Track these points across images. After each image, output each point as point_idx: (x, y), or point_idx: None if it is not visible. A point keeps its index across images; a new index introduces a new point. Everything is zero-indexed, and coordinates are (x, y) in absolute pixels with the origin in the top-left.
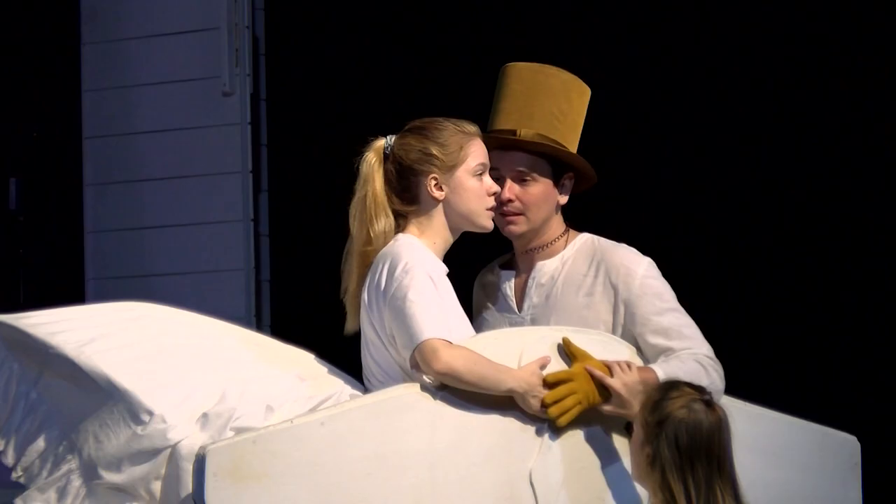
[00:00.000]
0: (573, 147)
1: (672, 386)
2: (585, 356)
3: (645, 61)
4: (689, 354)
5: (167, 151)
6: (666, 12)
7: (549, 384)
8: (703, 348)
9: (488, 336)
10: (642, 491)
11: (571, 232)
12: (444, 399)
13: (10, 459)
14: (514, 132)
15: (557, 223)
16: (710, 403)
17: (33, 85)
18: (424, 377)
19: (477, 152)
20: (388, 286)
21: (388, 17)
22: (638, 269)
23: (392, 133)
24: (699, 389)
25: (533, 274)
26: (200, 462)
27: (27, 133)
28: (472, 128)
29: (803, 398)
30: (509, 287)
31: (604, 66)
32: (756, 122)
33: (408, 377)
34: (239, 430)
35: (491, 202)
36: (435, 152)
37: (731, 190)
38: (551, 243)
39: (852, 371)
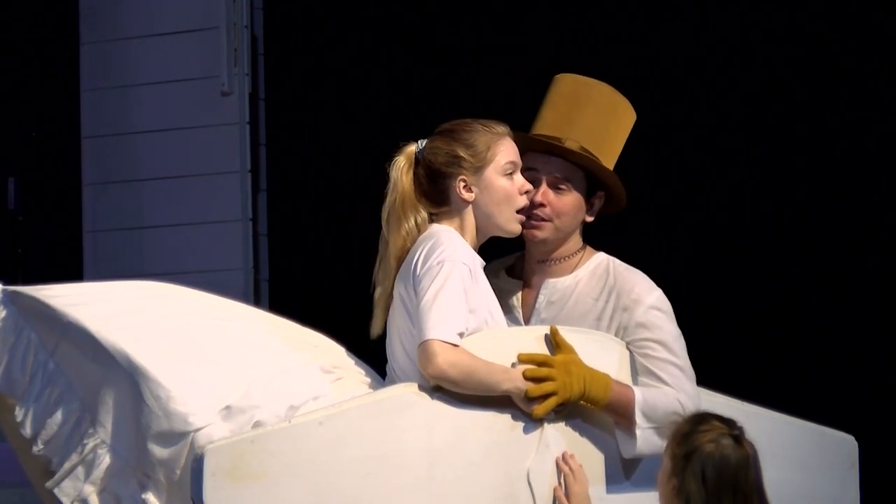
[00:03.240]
0: (611, 166)
1: (702, 419)
2: (570, 350)
3: (645, 63)
4: (673, 392)
5: (166, 151)
6: (670, 13)
7: (525, 360)
8: (682, 395)
9: (485, 336)
10: (642, 491)
11: (588, 249)
12: (442, 398)
13: (28, 431)
14: (559, 140)
15: (576, 240)
16: (738, 439)
17: (32, 84)
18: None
19: (506, 151)
20: (421, 271)
21: (388, 16)
22: (647, 299)
23: (422, 137)
24: (729, 424)
25: (543, 289)
26: (199, 462)
27: (26, 133)
28: (501, 128)
29: (801, 398)
30: (516, 298)
31: (604, 67)
32: (755, 121)
33: None
34: (260, 427)
35: (523, 201)
36: (462, 154)
37: (731, 190)
38: (566, 258)
39: (850, 371)
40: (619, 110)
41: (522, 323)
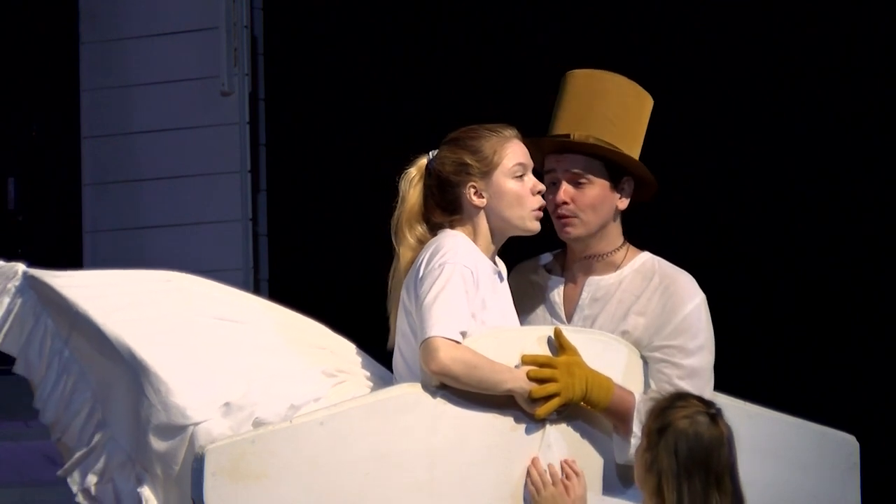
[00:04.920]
0: (632, 152)
1: (680, 396)
2: (574, 351)
3: (651, 61)
4: None
5: (165, 151)
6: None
7: (528, 361)
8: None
9: (488, 335)
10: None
11: (631, 249)
12: (443, 398)
13: (47, 418)
14: (567, 136)
15: (616, 232)
16: (714, 418)
17: (32, 84)
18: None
19: (514, 153)
20: (423, 273)
21: (387, 16)
22: (688, 303)
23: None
24: (707, 403)
25: (587, 286)
26: (199, 461)
27: (26, 132)
28: (507, 131)
29: (802, 397)
30: (558, 294)
31: (605, 68)
32: (757, 119)
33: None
34: (260, 425)
35: (536, 202)
36: (469, 161)
37: (731, 189)
38: (609, 254)
39: (851, 370)
40: (632, 96)
41: (565, 319)
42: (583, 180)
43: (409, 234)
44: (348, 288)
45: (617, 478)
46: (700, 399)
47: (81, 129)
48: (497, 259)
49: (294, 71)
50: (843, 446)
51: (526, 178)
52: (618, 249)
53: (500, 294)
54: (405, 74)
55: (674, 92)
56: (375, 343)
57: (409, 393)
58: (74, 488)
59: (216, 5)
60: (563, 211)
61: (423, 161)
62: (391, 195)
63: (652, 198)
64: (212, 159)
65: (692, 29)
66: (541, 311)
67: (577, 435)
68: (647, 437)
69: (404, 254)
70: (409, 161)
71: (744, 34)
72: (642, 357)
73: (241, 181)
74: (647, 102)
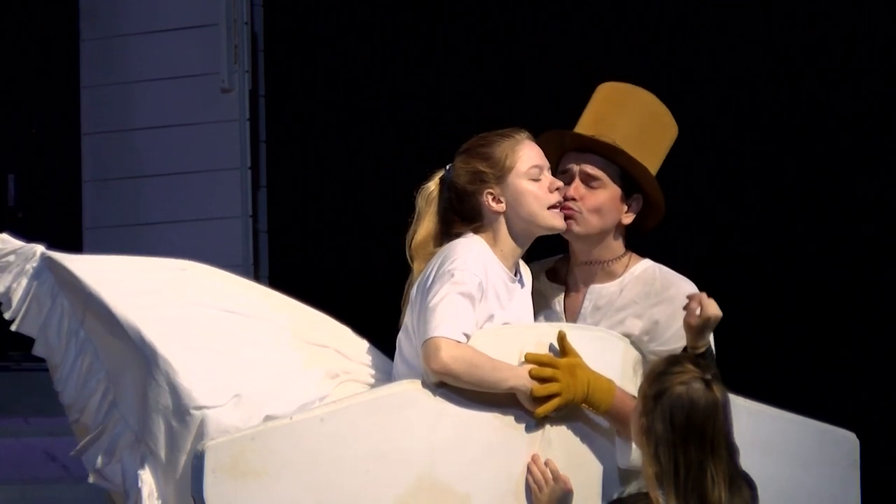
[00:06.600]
0: (650, 169)
1: (676, 361)
2: (576, 354)
3: (649, 62)
4: None
5: (166, 148)
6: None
7: (531, 360)
8: None
9: (489, 332)
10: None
11: (633, 256)
12: (444, 395)
13: (67, 399)
14: (592, 137)
15: (618, 244)
16: (710, 384)
17: (32, 81)
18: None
19: (527, 155)
20: (433, 278)
21: (387, 13)
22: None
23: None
24: (702, 368)
25: (589, 294)
26: (199, 458)
27: (26, 129)
28: (518, 134)
29: (803, 395)
30: (558, 303)
31: (605, 68)
32: (757, 119)
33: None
34: (269, 420)
35: (554, 198)
36: (482, 168)
37: (731, 188)
38: (611, 262)
39: (852, 368)
40: (659, 117)
41: None
42: (596, 183)
43: (424, 251)
44: (348, 284)
45: (615, 476)
46: (695, 363)
47: (82, 126)
48: (521, 263)
49: (294, 68)
50: (843, 444)
51: (542, 176)
52: (620, 258)
53: (517, 300)
54: (405, 72)
55: (674, 92)
56: (375, 339)
57: (409, 390)
58: (88, 468)
59: (216, 2)
60: (570, 205)
61: (440, 175)
62: (391, 192)
63: (654, 226)
64: (212, 156)
65: (692, 29)
66: (542, 320)
67: (578, 434)
68: (643, 401)
69: (419, 268)
70: (423, 173)
71: (744, 34)
72: (641, 353)
73: (242, 178)
74: (672, 129)
